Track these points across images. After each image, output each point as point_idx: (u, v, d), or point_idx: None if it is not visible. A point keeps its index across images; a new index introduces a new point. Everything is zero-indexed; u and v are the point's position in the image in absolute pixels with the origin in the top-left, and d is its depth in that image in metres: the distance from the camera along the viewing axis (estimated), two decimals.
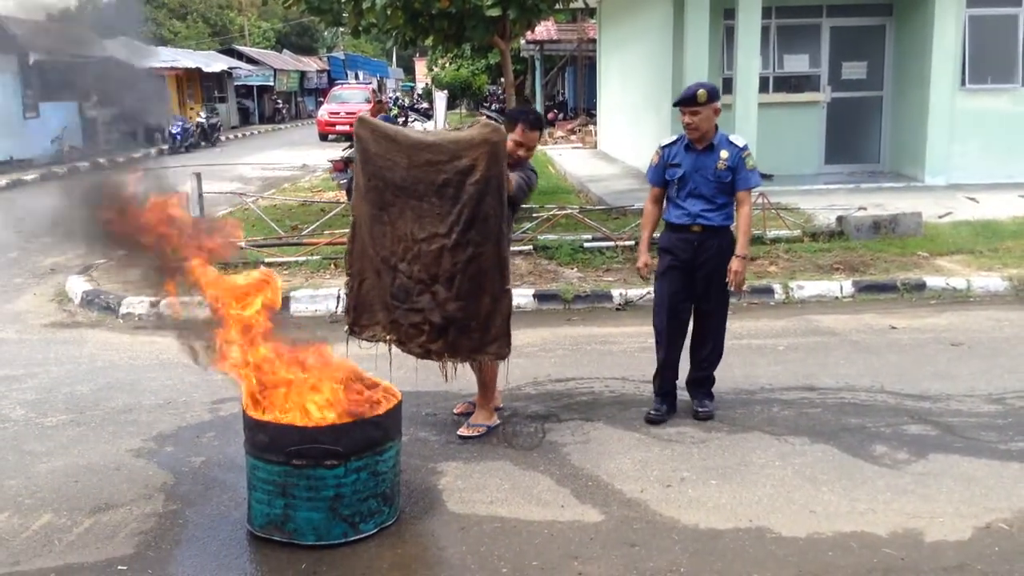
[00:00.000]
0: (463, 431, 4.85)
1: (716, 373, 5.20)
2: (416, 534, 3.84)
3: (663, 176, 5.02)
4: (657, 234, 5.19)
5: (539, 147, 23.13)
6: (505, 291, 4.59)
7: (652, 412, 5.03)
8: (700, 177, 4.89)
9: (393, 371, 4.78)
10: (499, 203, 4.45)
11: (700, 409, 5.06)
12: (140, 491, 4.27)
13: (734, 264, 5.00)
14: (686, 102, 4.83)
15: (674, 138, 5.05)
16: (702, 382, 5.15)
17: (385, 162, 4.51)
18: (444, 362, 4.73)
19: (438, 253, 4.47)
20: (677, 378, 5.14)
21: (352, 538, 3.72)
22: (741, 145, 4.93)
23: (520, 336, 6.70)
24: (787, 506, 4.00)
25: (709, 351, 5.13)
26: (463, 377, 5.02)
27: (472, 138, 4.41)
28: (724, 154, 4.87)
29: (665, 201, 5.08)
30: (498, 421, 4.96)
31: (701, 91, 4.82)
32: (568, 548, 3.67)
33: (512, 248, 9.06)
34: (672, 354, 5.10)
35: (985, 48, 12.87)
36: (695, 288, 5.02)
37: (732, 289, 5.04)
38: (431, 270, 4.49)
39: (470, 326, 4.56)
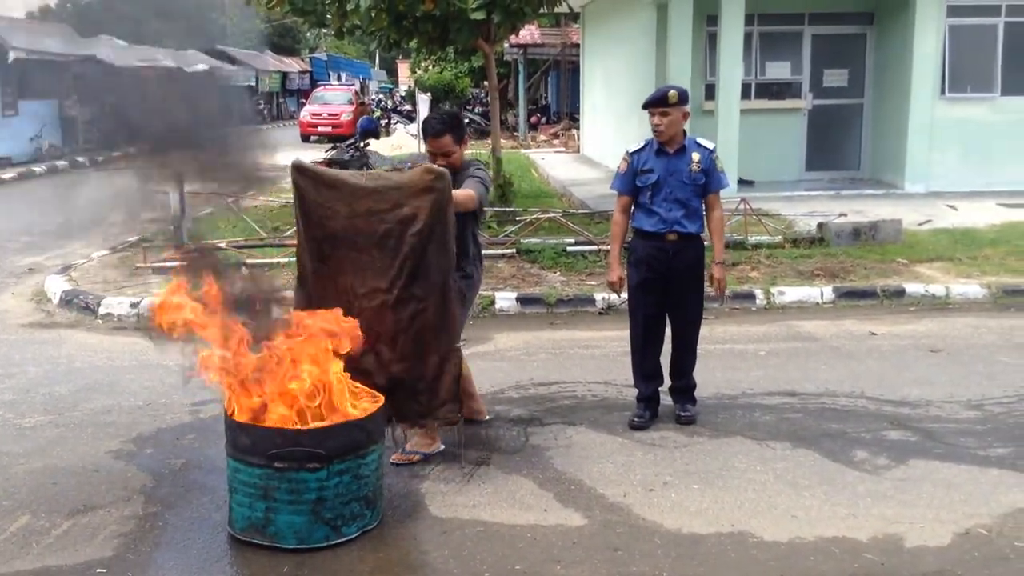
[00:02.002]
0: (395, 458, 4.49)
1: (698, 378, 5.21)
2: (398, 538, 3.83)
3: (633, 183, 4.96)
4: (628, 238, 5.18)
5: (522, 150, 22.76)
6: (454, 349, 4.30)
7: (636, 418, 5.02)
8: (675, 181, 4.87)
9: None
10: (444, 255, 4.19)
11: (683, 413, 5.07)
12: (119, 493, 4.24)
13: (716, 272, 5.01)
14: (656, 103, 4.81)
15: (641, 144, 5.01)
16: (684, 389, 5.16)
17: (325, 211, 4.23)
18: (393, 427, 4.41)
19: (379, 310, 4.20)
20: (661, 384, 5.15)
21: (334, 542, 3.71)
22: (711, 147, 4.94)
23: (503, 340, 6.73)
24: (769, 511, 4.01)
25: (687, 359, 5.14)
26: None
27: (415, 184, 4.12)
28: (695, 156, 4.87)
29: (633, 208, 5.04)
30: (440, 447, 4.61)
31: (672, 92, 4.82)
32: (551, 552, 3.67)
33: (495, 251, 9.12)
34: (651, 364, 5.11)
35: (965, 57, 12.99)
36: (670, 299, 5.02)
37: (716, 295, 5.05)
38: (373, 328, 4.16)
39: (417, 388, 4.29)
